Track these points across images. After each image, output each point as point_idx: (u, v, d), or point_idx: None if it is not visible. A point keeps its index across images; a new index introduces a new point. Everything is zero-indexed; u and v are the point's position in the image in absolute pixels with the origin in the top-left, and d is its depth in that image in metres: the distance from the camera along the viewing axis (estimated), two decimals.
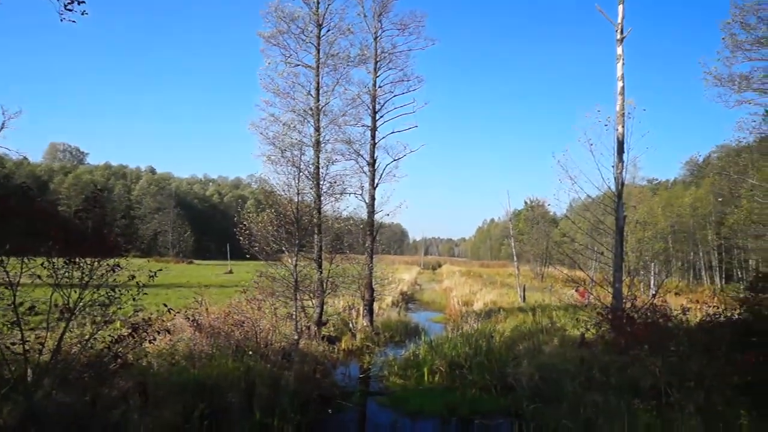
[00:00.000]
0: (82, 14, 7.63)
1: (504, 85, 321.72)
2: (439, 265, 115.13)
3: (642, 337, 9.61)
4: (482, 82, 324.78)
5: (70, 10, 7.52)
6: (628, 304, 14.82)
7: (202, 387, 9.97)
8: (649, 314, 11.29)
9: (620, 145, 15.51)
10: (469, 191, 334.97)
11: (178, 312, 12.47)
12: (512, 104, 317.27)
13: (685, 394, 8.73)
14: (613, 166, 15.71)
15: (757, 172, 22.81)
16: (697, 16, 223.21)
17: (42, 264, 7.72)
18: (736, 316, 11.45)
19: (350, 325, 21.36)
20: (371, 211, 22.28)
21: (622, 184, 15.60)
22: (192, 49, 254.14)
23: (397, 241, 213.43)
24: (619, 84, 15.65)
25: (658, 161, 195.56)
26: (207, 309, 14.95)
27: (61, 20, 7.54)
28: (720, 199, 40.74)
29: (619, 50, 15.76)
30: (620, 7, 15.89)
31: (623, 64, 15.72)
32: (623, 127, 15.47)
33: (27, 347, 7.63)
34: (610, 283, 16.01)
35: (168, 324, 13.34)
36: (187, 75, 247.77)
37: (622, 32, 15.77)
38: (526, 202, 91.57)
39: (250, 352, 11.92)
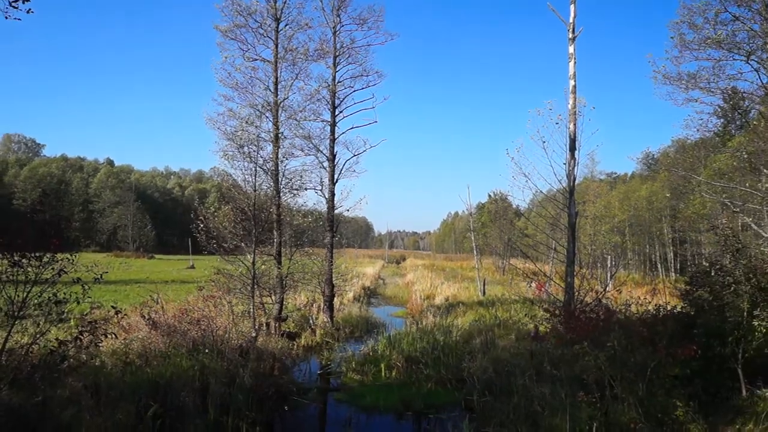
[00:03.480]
0: (28, 12, 7.55)
1: (464, 80, 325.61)
2: (404, 259, 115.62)
3: (583, 332, 10.02)
4: (441, 79, 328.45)
5: (15, 8, 7.44)
6: (581, 298, 15.38)
7: (156, 386, 10.00)
8: (594, 309, 11.76)
9: (572, 142, 15.98)
10: (434, 184, 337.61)
11: (125, 315, 12.37)
12: (474, 99, 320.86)
13: (626, 387, 9.14)
14: (565, 163, 16.18)
15: (704, 168, 23.68)
16: (647, 16, 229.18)
17: None
18: (679, 309, 12.01)
19: (310, 320, 21.50)
20: (331, 207, 22.38)
21: (574, 180, 16.08)
22: (153, 40, 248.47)
23: (361, 235, 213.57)
24: (571, 82, 16.10)
25: (619, 155, 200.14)
26: (163, 307, 14.90)
27: (6, 17, 7.46)
28: (668, 195, 42.04)
29: (571, 49, 16.19)
30: (572, 7, 16.31)
31: (575, 62, 16.17)
32: (575, 124, 15.93)
33: None
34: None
35: (123, 323, 13.34)
36: (148, 65, 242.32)
37: (573, 31, 16.19)
38: (490, 195, 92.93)
39: (206, 351, 11.96)
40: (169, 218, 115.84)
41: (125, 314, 12.16)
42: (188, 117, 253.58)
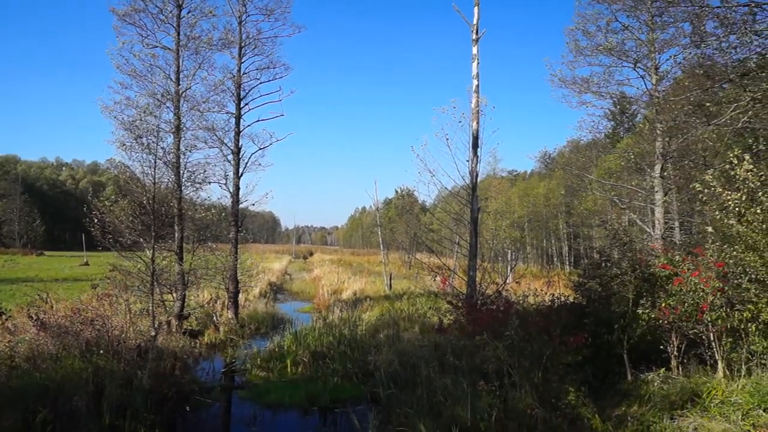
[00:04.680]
0: None
1: (371, 77, 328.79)
2: (311, 254, 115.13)
3: (484, 324, 10.44)
4: (348, 75, 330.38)
5: None
6: (483, 291, 15.99)
7: (46, 391, 9.42)
8: (494, 301, 12.27)
9: (475, 140, 16.54)
10: (342, 180, 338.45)
11: (10, 316, 11.56)
12: (381, 96, 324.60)
13: (523, 375, 9.60)
14: (468, 161, 16.73)
15: (596, 168, 25.26)
16: (546, 21, 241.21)
17: None
18: (572, 300, 12.77)
19: (214, 318, 20.94)
20: (235, 201, 21.86)
21: (477, 177, 16.66)
22: (42, 15, 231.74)
23: (268, 230, 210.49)
24: (474, 82, 16.64)
25: (519, 154, 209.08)
26: (53, 306, 14.03)
27: None
28: (563, 192, 44.41)
29: (475, 50, 16.72)
30: (476, 9, 16.86)
31: (478, 63, 16.72)
32: (478, 123, 16.50)
33: None
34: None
35: (8, 324, 12.46)
36: (35, 44, 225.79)
37: (477, 33, 16.74)
38: (397, 191, 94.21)
39: (101, 351, 11.38)
40: (60, 212, 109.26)
41: (10, 315, 11.33)
42: (82, 104, 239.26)
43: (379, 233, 43.00)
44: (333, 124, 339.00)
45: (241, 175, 22.10)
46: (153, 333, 14.49)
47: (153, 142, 17.21)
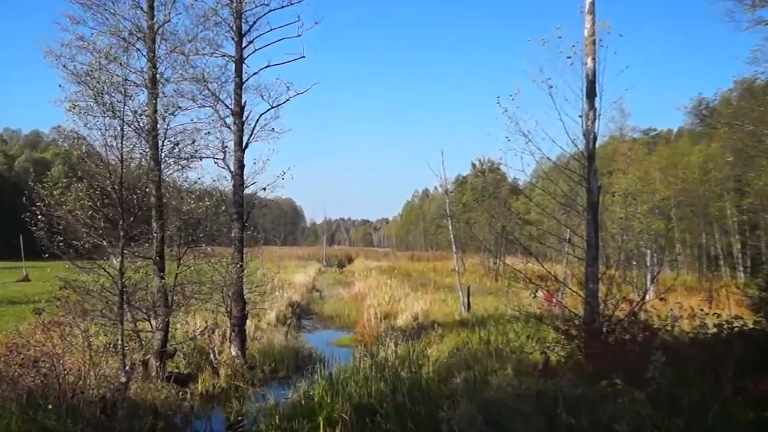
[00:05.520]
0: None
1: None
2: (350, 260, 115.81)
3: (611, 361, 10.14)
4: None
5: None
6: (608, 312, 15.57)
7: None
8: (628, 327, 11.92)
9: (591, 85, 15.97)
10: (392, 153, 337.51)
11: None
12: (450, 34, 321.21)
13: None
14: (581, 116, 16.15)
15: None
16: None
17: None
18: (750, 325, 12.26)
19: (211, 355, 21.19)
20: (239, 184, 21.96)
21: (595, 140, 16.08)
22: None
23: (287, 225, 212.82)
24: None
25: (660, 104, 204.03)
26: None
27: None
28: (730, 160, 42.84)
29: None
30: None
31: None
32: (594, 59, 15.92)
33: None
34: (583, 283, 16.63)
35: None
36: None
37: None
38: (474, 165, 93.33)
39: (50, 406, 11.63)
40: None
41: None
42: (15, 48, 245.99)
43: (450, 227, 42.63)
44: (378, 70, 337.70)
45: (247, 145, 22.19)
46: (123, 379, 14.75)
47: (119, 101, 17.37)
